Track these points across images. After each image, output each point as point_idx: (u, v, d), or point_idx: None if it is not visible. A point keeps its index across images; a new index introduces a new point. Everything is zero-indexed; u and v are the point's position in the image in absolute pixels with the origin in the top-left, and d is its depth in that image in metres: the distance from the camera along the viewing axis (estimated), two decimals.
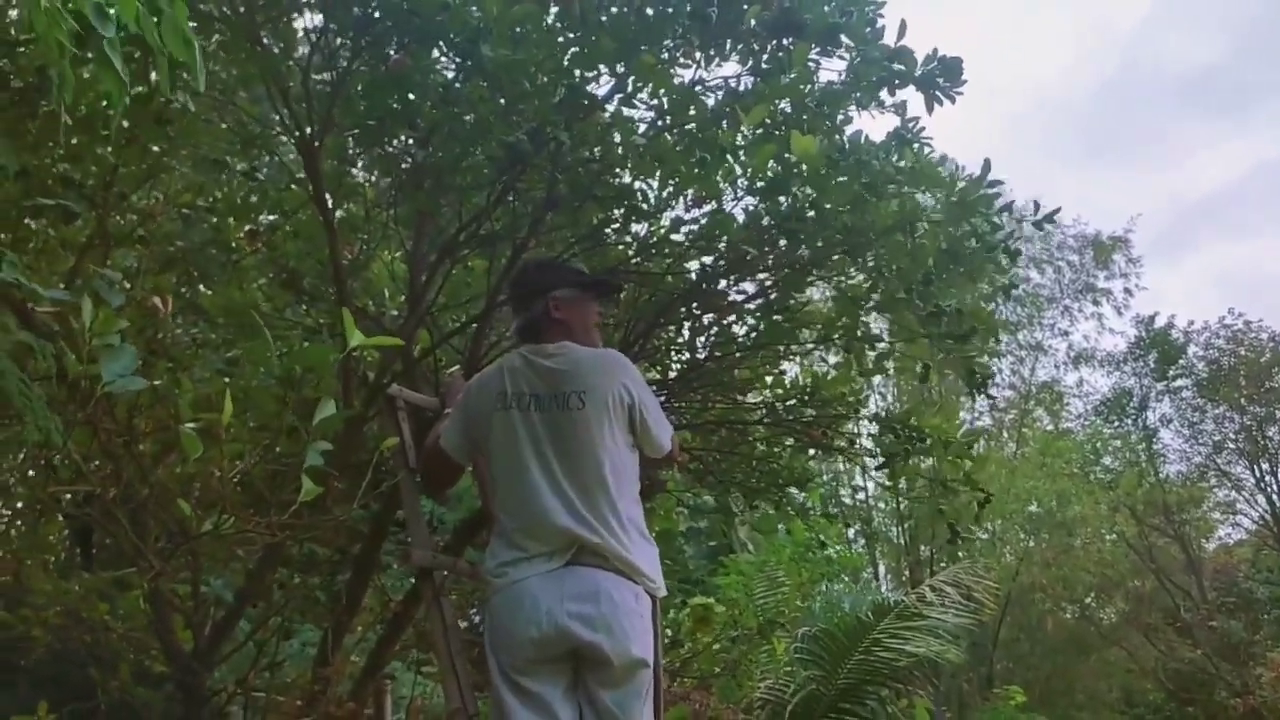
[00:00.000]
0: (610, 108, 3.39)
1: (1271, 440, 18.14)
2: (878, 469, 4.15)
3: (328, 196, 3.56)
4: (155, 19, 1.61)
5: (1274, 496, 18.53)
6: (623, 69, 3.25)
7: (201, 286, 4.21)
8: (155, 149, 3.71)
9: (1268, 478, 18.57)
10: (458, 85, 3.42)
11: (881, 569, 16.41)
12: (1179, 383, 18.72)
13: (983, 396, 3.82)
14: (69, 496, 4.28)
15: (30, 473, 4.89)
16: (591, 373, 2.56)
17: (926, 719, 7.07)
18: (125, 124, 3.58)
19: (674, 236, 3.84)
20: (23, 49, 3.36)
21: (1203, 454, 18.89)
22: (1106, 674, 17.20)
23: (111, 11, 1.55)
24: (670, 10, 2.92)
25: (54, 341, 1.93)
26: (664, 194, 3.69)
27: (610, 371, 2.58)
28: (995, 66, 33.63)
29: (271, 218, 4.23)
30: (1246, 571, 18.36)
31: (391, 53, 3.23)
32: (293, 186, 4.15)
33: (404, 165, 3.66)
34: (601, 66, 3.10)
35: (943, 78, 3.04)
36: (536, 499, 2.43)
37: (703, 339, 4.32)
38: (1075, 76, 35.00)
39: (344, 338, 2.15)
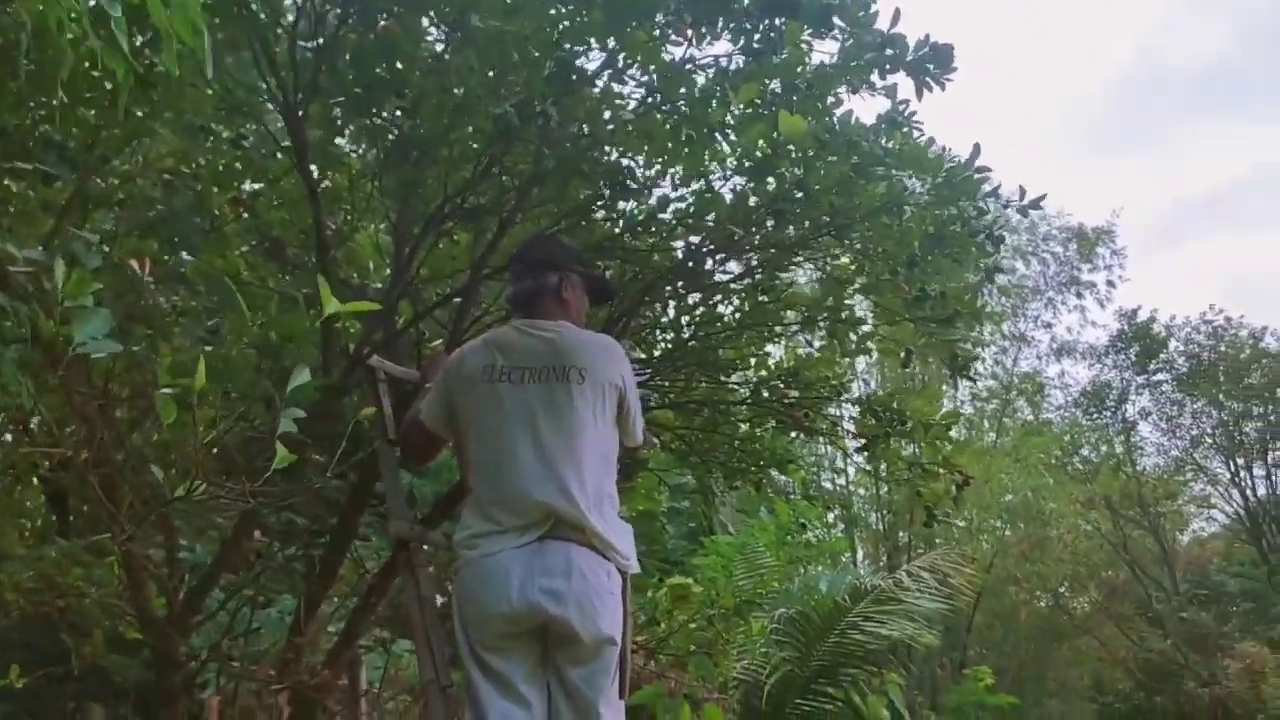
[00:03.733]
0: (600, 84, 3.37)
1: (1248, 436, 18.38)
2: (858, 451, 4.17)
3: (312, 166, 3.53)
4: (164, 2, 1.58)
5: (1248, 491, 18.80)
6: (613, 44, 3.22)
7: (185, 254, 4.16)
8: (139, 113, 3.66)
9: (1243, 473, 18.85)
10: (446, 56, 3.38)
11: (860, 554, 16.53)
12: (1159, 377, 18.91)
13: (965, 380, 3.84)
14: (46, 463, 4.26)
15: (7, 437, 4.85)
16: (593, 353, 2.58)
17: (899, 696, 7.15)
18: (108, 86, 3.53)
19: (661, 215, 3.83)
20: (6, 10, 3.29)
21: (1180, 448, 19.15)
22: (1078, 662, 17.44)
23: None
24: None
25: (28, 304, 1.90)
26: (652, 172, 3.68)
27: (609, 356, 2.61)
28: (1005, 58, 33.60)
29: (256, 186, 4.18)
30: (1219, 564, 18.66)
31: (381, 19, 3.19)
32: (278, 154, 4.10)
33: (390, 136, 3.62)
34: (592, 41, 3.07)
35: (933, 64, 3.03)
36: (519, 470, 2.42)
37: (688, 318, 4.32)
38: (1086, 71, 35.04)
39: (322, 306, 2.12)
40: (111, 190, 3.41)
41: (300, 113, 3.22)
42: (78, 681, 4.14)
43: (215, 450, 2.69)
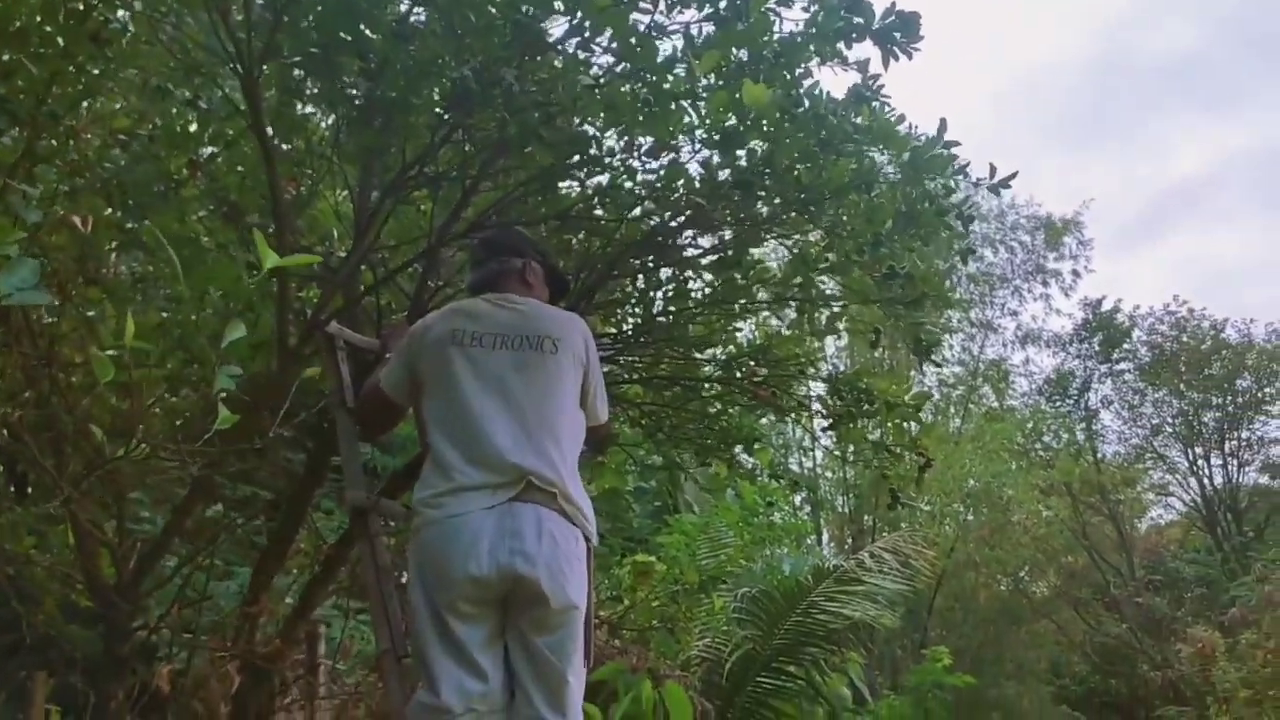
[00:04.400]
0: (565, 50, 3.31)
1: (1206, 425, 18.70)
2: (825, 430, 4.17)
3: (269, 129, 3.44)
4: None
5: (1205, 480, 19.15)
6: (579, 12, 3.16)
7: (145, 222, 4.06)
8: (93, 71, 3.56)
9: (1200, 462, 19.19)
10: (410, 19, 3.31)
11: (825, 537, 16.67)
12: (1121, 366, 19.18)
13: (929, 364, 3.85)
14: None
15: None
16: (562, 327, 2.62)
17: (860, 675, 7.22)
18: (60, 42, 3.42)
19: (627, 185, 3.79)
20: None
21: (1140, 436, 19.46)
22: (1036, 645, 17.73)
23: None
24: None
25: None
26: (616, 143, 3.63)
27: (577, 331, 2.65)
28: (978, 44, 33.73)
29: (213, 149, 4.08)
30: (1175, 551, 19.01)
31: None
32: (236, 117, 4.00)
33: (353, 100, 3.55)
34: (558, 4, 3.01)
35: (900, 33, 3.01)
36: (492, 431, 2.40)
37: (657, 293, 4.29)
38: (1060, 59, 35.26)
39: (261, 260, 2.06)
40: (59, 148, 3.30)
41: (255, 74, 3.13)
42: (30, 651, 4.05)
43: (170, 417, 2.64)
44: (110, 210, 3.77)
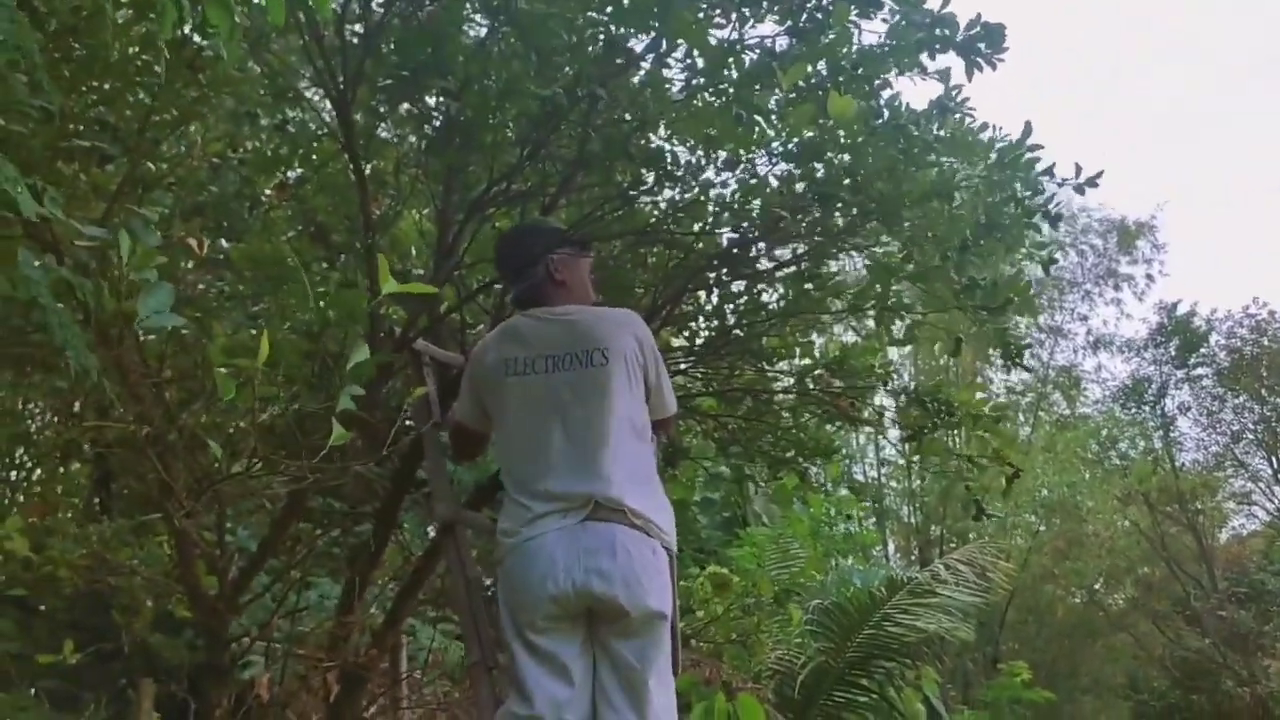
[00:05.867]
0: (645, 66, 3.34)
1: None
2: (903, 441, 4.12)
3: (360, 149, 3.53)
4: None
5: None
6: (659, 26, 3.19)
7: (224, 241, 4.19)
8: (189, 95, 3.69)
9: None
10: (488, 40, 3.37)
11: (891, 547, 16.45)
12: (1199, 371, 18.56)
13: (1019, 369, 3.78)
14: (88, 445, 4.32)
15: (54, 418, 4.93)
16: (609, 330, 2.55)
17: (935, 690, 7.10)
18: (157, 70, 3.56)
19: (704, 200, 3.80)
20: None
21: (1220, 443, 18.78)
22: (1112, 659, 17.24)
23: None
24: None
25: (91, 279, 1.92)
26: (695, 157, 3.65)
27: (626, 327, 2.58)
28: (1044, 36, 32.94)
29: (300, 171, 4.20)
30: (1259, 562, 18.29)
31: (427, 3, 3.18)
32: (322, 139, 4.12)
33: (435, 121, 3.62)
34: (650, 22, 3.04)
35: (984, 44, 2.98)
36: (554, 461, 2.42)
37: (732, 306, 4.29)
38: (1132, 59, 34.35)
39: (375, 287, 2.13)
40: (162, 173, 3.44)
41: (348, 97, 3.22)
42: (126, 660, 4.20)
43: (268, 430, 2.72)
44: (200, 230, 3.91)
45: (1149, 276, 18.04)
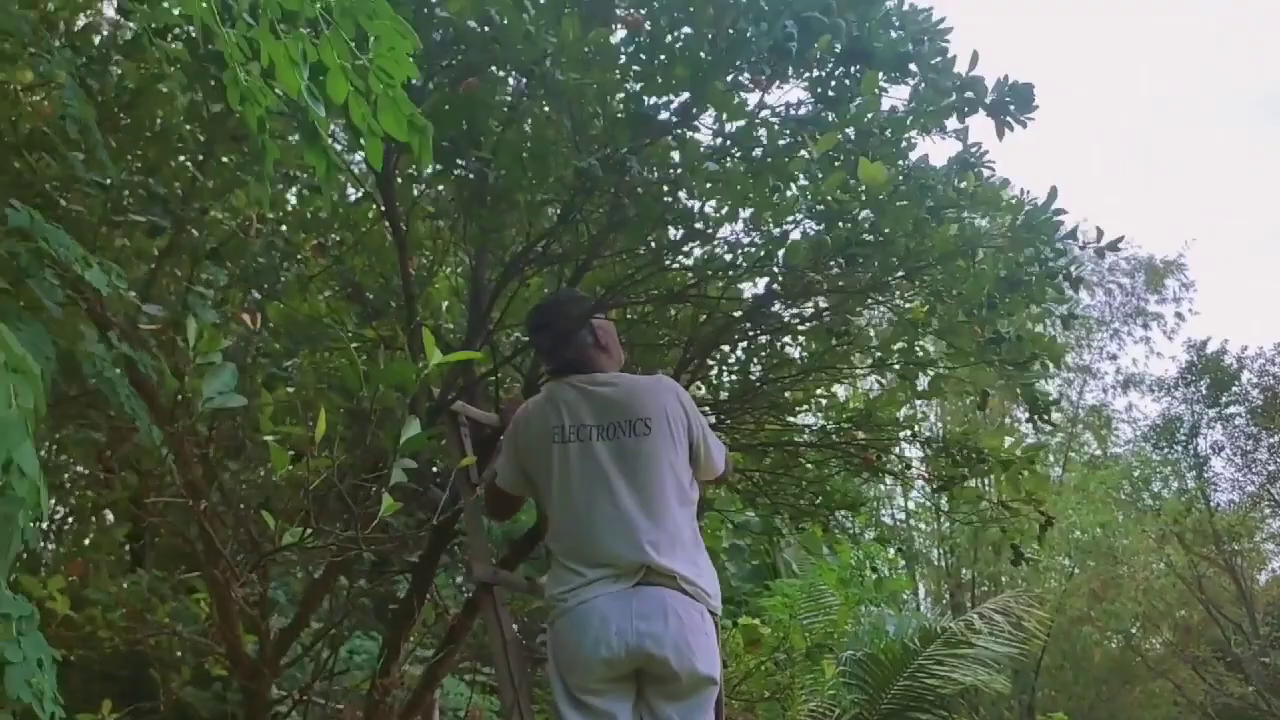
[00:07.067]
0: (676, 132, 3.42)
1: None
2: (936, 491, 4.12)
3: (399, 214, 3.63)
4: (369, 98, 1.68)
5: None
6: (689, 95, 3.28)
7: (257, 294, 4.30)
8: (229, 162, 3.82)
9: None
10: (520, 107, 3.47)
11: (922, 591, 16.22)
12: (1231, 409, 18.30)
13: (1044, 423, 3.79)
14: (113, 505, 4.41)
15: (94, 473, 5.01)
16: (653, 398, 2.62)
17: None
18: (201, 139, 3.69)
19: (730, 258, 3.86)
20: (114, 67, 3.48)
21: (1256, 483, 18.41)
22: (1152, 705, 16.80)
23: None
24: (750, 40, 2.94)
25: (154, 356, 2.00)
26: (720, 214, 3.72)
27: (668, 396, 2.65)
28: (1061, 77, 33.16)
29: (337, 234, 4.31)
30: None
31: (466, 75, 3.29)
32: (360, 202, 4.24)
33: (469, 182, 3.72)
34: (684, 94, 3.13)
35: (1014, 104, 3.04)
36: (602, 531, 2.47)
37: (756, 360, 4.33)
38: (1154, 93, 34.44)
39: (417, 354, 2.20)
40: (208, 240, 3.55)
41: (391, 164, 3.32)
42: (162, 717, 4.24)
43: (320, 502, 2.78)
44: (240, 295, 4.02)
45: (1178, 315, 17.91)
